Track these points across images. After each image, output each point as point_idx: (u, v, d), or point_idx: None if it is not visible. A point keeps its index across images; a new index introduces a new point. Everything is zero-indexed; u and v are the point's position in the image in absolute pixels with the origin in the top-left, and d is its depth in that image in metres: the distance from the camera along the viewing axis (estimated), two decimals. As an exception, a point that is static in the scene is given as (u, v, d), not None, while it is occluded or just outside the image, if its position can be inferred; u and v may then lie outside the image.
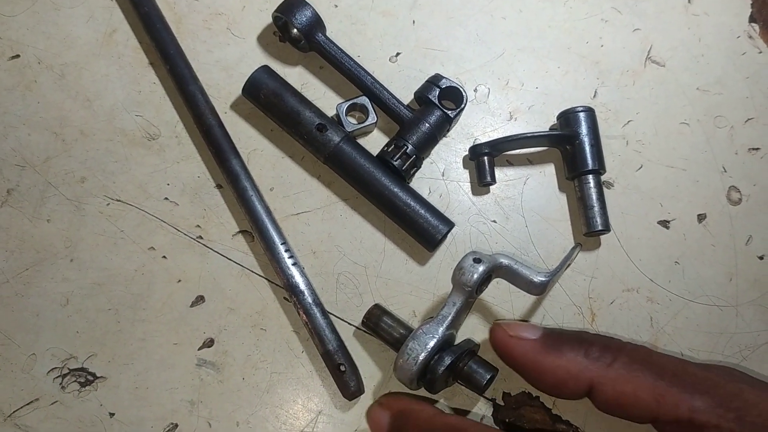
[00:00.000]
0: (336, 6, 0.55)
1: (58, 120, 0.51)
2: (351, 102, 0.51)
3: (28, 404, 0.47)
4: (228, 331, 0.49)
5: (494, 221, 0.51)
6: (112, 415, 0.47)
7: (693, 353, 0.50)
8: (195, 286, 0.49)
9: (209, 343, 0.48)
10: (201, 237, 0.50)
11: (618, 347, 0.35)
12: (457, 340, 0.45)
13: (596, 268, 0.51)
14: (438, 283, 0.50)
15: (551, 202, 0.52)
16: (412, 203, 0.48)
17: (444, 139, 0.53)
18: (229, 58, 0.53)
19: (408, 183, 0.51)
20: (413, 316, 0.49)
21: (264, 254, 0.49)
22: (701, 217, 0.52)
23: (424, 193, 0.51)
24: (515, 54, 0.55)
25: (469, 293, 0.43)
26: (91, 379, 0.47)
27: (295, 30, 0.51)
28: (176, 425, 0.47)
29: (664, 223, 0.52)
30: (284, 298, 0.49)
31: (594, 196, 0.50)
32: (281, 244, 0.48)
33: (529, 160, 0.53)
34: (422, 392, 0.44)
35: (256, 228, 0.48)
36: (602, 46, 0.55)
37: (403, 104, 0.51)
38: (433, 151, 0.52)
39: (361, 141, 0.52)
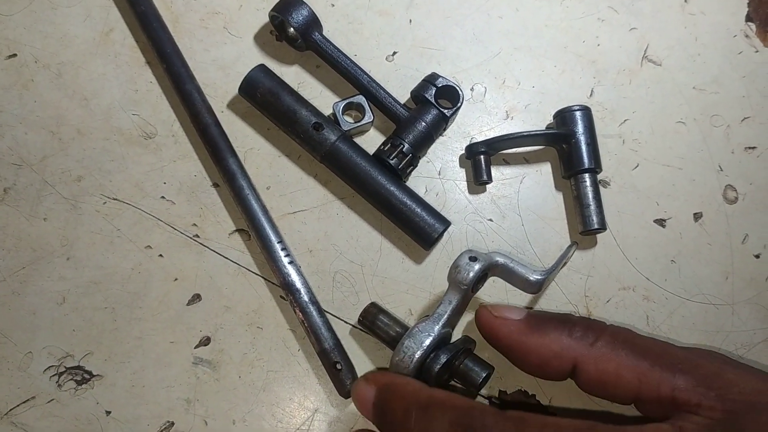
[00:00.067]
0: (333, 5, 0.55)
1: (54, 119, 0.51)
2: (347, 101, 0.51)
3: (24, 402, 0.47)
4: (224, 329, 0.49)
5: (491, 220, 0.52)
6: (108, 413, 0.47)
7: (697, 347, 0.50)
8: (191, 284, 0.49)
9: (205, 342, 0.48)
10: (197, 236, 0.50)
11: (601, 327, 0.35)
12: (454, 339, 0.45)
13: (592, 267, 0.51)
14: (434, 282, 0.50)
15: (547, 201, 0.52)
16: (409, 202, 0.49)
17: (440, 137, 0.53)
18: (225, 57, 0.54)
19: (404, 182, 0.51)
20: (409, 314, 0.49)
21: (260, 253, 0.49)
22: (697, 216, 0.52)
23: (420, 192, 0.51)
24: (512, 53, 0.55)
25: (465, 291, 0.43)
26: (88, 377, 0.47)
27: (292, 29, 0.51)
28: (172, 423, 0.47)
29: (661, 222, 0.52)
30: (280, 296, 0.49)
31: (590, 195, 0.50)
32: (278, 242, 0.48)
33: (526, 159, 0.53)
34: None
35: (252, 227, 0.48)
36: (599, 45, 0.55)
37: (399, 103, 0.51)
38: (429, 150, 0.52)
39: (358, 140, 0.52)
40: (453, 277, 0.43)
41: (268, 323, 0.49)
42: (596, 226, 0.49)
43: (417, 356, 0.41)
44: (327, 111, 0.51)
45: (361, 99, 0.51)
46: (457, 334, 0.47)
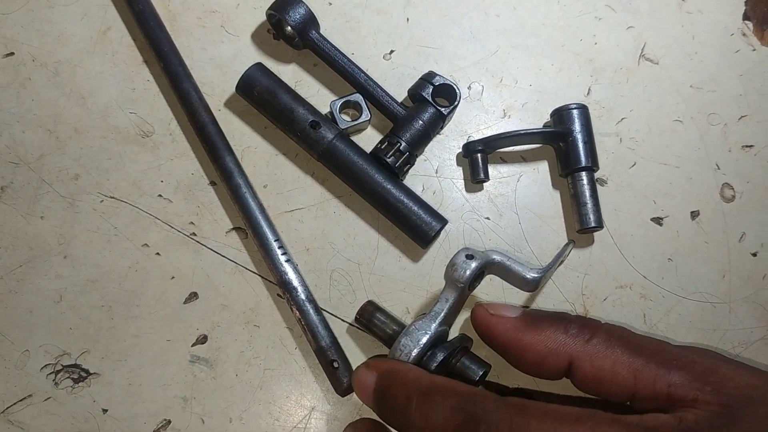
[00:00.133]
0: (330, 4, 0.55)
1: (52, 117, 0.51)
2: (345, 99, 0.51)
3: (21, 400, 0.47)
4: (221, 327, 0.49)
5: (488, 218, 0.52)
6: (105, 411, 0.47)
7: (692, 345, 0.50)
8: (188, 282, 0.49)
9: (202, 340, 0.48)
10: (194, 234, 0.50)
11: (596, 325, 0.35)
12: (451, 337, 0.45)
13: (589, 265, 0.51)
14: (431, 280, 0.50)
15: (545, 199, 0.52)
16: (406, 200, 0.49)
17: (438, 136, 0.53)
18: (223, 56, 0.54)
19: (401, 180, 0.51)
20: (406, 312, 0.49)
21: (257, 251, 0.49)
22: (694, 214, 0.52)
23: (417, 190, 0.51)
24: (509, 51, 0.55)
25: (461, 289, 0.43)
26: (85, 375, 0.47)
27: (289, 27, 0.51)
28: (169, 421, 0.47)
29: (658, 220, 0.52)
30: (278, 294, 0.49)
31: (587, 193, 0.50)
32: (275, 240, 0.48)
33: (523, 158, 0.53)
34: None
35: (249, 225, 0.48)
36: (596, 43, 0.55)
37: (396, 101, 0.51)
38: (426, 149, 0.52)
39: (355, 138, 0.52)
40: (450, 275, 0.43)
41: (265, 321, 0.49)
42: (593, 225, 0.49)
43: (414, 354, 0.41)
44: (324, 109, 0.51)
45: (358, 97, 0.51)
46: (454, 333, 0.47)
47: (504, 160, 0.53)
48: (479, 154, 0.51)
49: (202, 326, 0.49)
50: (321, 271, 0.50)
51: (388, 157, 0.49)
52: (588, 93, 0.54)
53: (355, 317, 0.47)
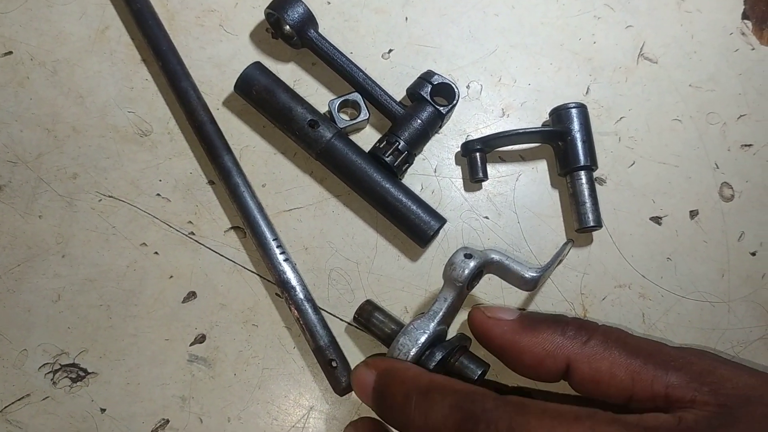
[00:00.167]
0: (329, 3, 0.55)
1: (50, 116, 0.51)
2: (343, 98, 0.51)
3: (19, 400, 0.47)
4: (220, 327, 0.49)
5: (486, 217, 0.51)
6: (103, 410, 0.47)
7: (689, 346, 0.50)
8: (187, 282, 0.49)
9: (201, 339, 0.48)
10: (193, 233, 0.50)
11: (593, 327, 0.35)
12: (449, 336, 0.45)
13: (588, 264, 0.51)
14: (430, 279, 0.50)
15: (543, 199, 0.52)
16: (404, 199, 0.49)
17: (436, 135, 0.53)
18: (221, 55, 0.54)
19: (400, 179, 0.51)
20: (405, 312, 0.49)
21: (256, 250, 0.49)
22: (693, 214, 0.52)
23: (416, 190, 0.51)
24: (508, 50, 0.55)
25: (460, 289, 0.43)
26: (83, 374, 0.47)
27: (288, 26, 0.51)
28: (167, 421, 0.47)
29: (657, 220, 0.52)
30: (276, 294, 0.49)
31: (586, 192, 0.50)
32: (273, 240, 0.48)
33: (522, 157, 0.53)
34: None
35: (248, 224, 0.48)
36: (595, 42, 0.55)
37: (395, 101, 0.51)
38: (425, 148, 0.52)
39: (353, 137, 0.52)
40: (448, 274, 0.43)
41: (263, 321, 0.49)
42: (592, 224, 0.49)
43: (412, 353, 0.41)
44: (323, 108, 0.51)
45: (356, 96, 0.51)
46: (452, 332, 0.47)
47: (503, 159, 0.53)
48: (478, 153, 0.51)
49: (201, 325, 0.48)
50: (319, 271, 0.50)
51: (387, 156, 0.49)
52: (587, 92, 0.54)
53: (354, 316, 0.47)
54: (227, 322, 0.49)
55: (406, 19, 0.55)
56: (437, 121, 0.50)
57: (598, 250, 0.51)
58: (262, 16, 0.53)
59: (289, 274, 0.47)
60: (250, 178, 0.50)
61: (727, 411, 0.29)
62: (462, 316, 0.49)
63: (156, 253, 0.49)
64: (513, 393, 0.37)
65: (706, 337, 0.50)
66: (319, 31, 0.52)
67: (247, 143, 0.52)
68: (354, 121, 0.51)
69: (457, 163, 0.52)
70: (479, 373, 0.42)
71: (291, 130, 0.50)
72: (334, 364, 0.46)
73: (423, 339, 0.42)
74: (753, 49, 0.56)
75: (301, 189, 0.51)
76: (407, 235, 0.50)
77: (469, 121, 0.53)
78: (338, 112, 0.51)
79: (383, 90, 0.51)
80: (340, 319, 0.49)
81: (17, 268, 0.49)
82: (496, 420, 0.30)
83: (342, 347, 0.47)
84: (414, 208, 0.48)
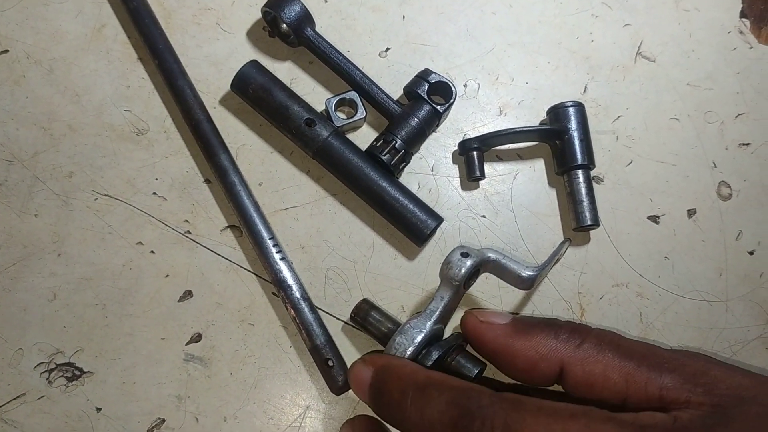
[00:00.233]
0: (326, 1, 0.55)
1: (46, 115, 0.51)
2: (340, 97, 0.51)
3: (14, 399, 0.47)
4: (216, 326, 0.48)
5: (483, 216, 0.51)
6: (99, 410, 0.47)
7: (683, 348, 0.49)
8: (183, 281, 0.49)
9: (197, 338, 0.48)
10: (189, 232, 0.50)
11: (586, 330, 0.35)
12: (446, 335, 0.45)
13: (585, 263, 0.51)
14: (427, 278, 0.50)
15: (541, 197, 0.52)
16: (401, 198, 0.48)
17: (433, 134, 0.53)
18: (218, 53, 0.53)
19: (397, 178, 0.51)
20: (402, 311, 0.49)
21: (252, 249, 0.49)
22: (691, 213, 0.52)
23: (413, 188, 0.51)
24: (505, 49, 0.55)
25: (456, 287, 0.43)
26: (78, 374, 0.47)
27: (284, 25, 0.51)
28: (163, 420, 0.47)
29: (654, 218, 0.52)
30: (272, 293, 0.49)
31: (583, 191, 0.50)
32: (269, 239, 0.48)
33: (519, 156, 0.53)
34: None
35: (244, 223, 0.48)
36: (592, 41, 0.55)
37: (392, 99, 0.51)
38: (422, 146, 0.52)
39: (350, 136, 0.52)
40: (445, 273, 0.43)
41: (259, 320, 0.49)
42: (589, 223, 0.49)
43: (409, 352, 0.41)
44: (319, 107, 0.51)
45: (353, 95, 0.51)
46: (450, 332, 0.47)
47: (500, 158, 0.53)
48: (475, 152, 0.50)
49: (197, 325, 0.48)
50: (316, 270, 0.50)
51: (384, 155, 0.48)
52: (584, 91, 0.54)
53: (351, 315, 0.47)
54: (223, 321, 0.48)
55: (404, 17, 0.55)
56: (434, 119, 0.50)
57: (596, 249, 0.51)
58: (259, 15, 0.53)
59: (286, 273, 0.47)
60: (246, 176, 0.50)
61: (721, 410, 0.29)
62: (459, 315, 0.49)
63: (152, 252, 0.49)
64: (509, 391, 0.37)
65: (703, 336, 0.50)
66: (316, 29, 0.52)
67: (244, 142, 0.52)
68: (351, 120, 0.51)
69: (454, 162, 0.52)
70: (476, 372, 0.42)
71: (288, 129, 0.50)
72: (330, 363, 0.46)
73: (420, 338, 0.41)
74: (751, 47, 0.56)
75: (297, 188, 0.51)
76: (404, 234, 0.49)
77: (467, 119, 0.53)
78: (335, 110, 0.51)
79: (380, 88, 0.51)
80: (337, 318, 0.49)
81: (13, 267, 0.49)
82: (491, 416, 0.30)
83: (338, 346, 0.47)
84: (411, 206, 0.48)
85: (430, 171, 0.52)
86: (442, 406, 0.32)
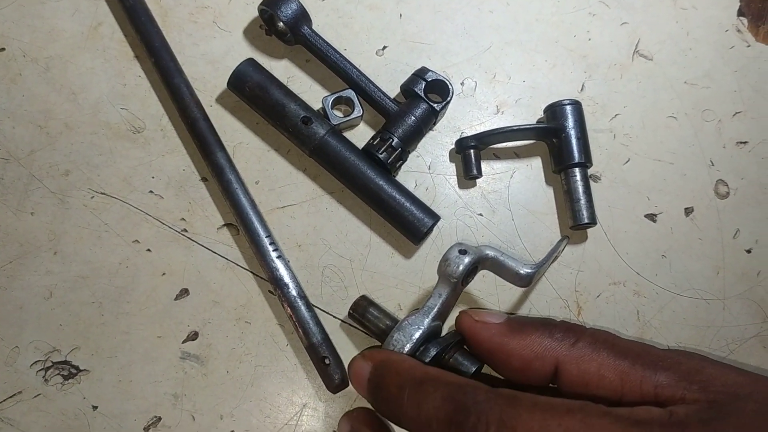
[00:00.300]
0: (323, -1, 0.55)
1: (42, 113, 0.51)
2: (337, 95, 0.51)
3: (11, 397, 0.47)
4: (212, 324, 0.48)
5: (480, 214, 0.51)
6: (95, 408, 0.47)
7: (680, 347, 0.49)
8: (179, 279, 0.49)
9: (193, 336, 0.48)
10: (186, 230, 0.50)
11: (581, 329, 0.35)
12: (444, 333, 0.45)
13: (583, 262, 0.51)
14: (424, 277, 0.50)
15: (538, 196, 0.52)
16: (398, 196, 0.48)
17: (430, 132, 0.53)
18: (214, 52, 0.53)
19: (394, 176, 0.51)
20: (399, 309, 0.49)
21: (249, 247, 0.48)
22: (688, 211, 0.52)
23: (410, 187, 0.51)
24: (502, 47, 0.55)
25: (454, 284, 0.43)
26: (75, 372, 0.47)
27: (281, 23, 0.51)
28: (159, 418, 0.47)
29: (651, 217, 0.52)
30: (269, 291, 0.49)
31: (580, 189, 0.49)
32: (266, 237, 0.48)
33: (516, 154, 0.53)
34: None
35: (241, 221, 0.48)
36: (590, 39, 0.55)
37: (389, 97, 0.51)
38: (419, 145, 0.52)
39: (347, 134, 0.52)
40: (443, 270, 0.43)
41: (256, 318, 0.49)
42: (587, 221, 0.49)
43: (406, 349, 0.41)
44: (316, 105, 0.51)
45: (350, 93, 0.51)
46: (447, 329, 0.47)
47: (497, 156, 0.53)
48: (472, 150, 0.50)
49: (193, 323, 0.48)
50: (313, 268, 0.50)
51: (381, 153, 0.48)
52: (582, 89, 0.54)
53: (349, 311, 0.47)
54: (220, 320, 0.48)
55: (401, 15, 0.55)
56: (431, 117, 0.50)
57: (593, 247, 0.51)
58: (256, 13, 0.53)
59: (282, 271, 0.47)
60: (243, 175, 0.50)
61: (717, 406, 0.29)
62: (457, 313, 0.49)
63: (148, 250, 0.49)
64: (505, 387, 0.37)
65: (701, 334, 0.50)
66: (313, 27, 0.52)
67: (241, 140, 0.52)
68: (347, 118, 0.51)
69: (451, 160, 0.52)
70: (474, 369, 0.42)
71: (284, 127, 0.50)
72: (327, 361, 0.45)
73: (417, 335, 0.41)
74: (748, 46, 0.55)
75: (294, 186, 0.51)
76: (401, 232, 0.49)
77: (464, 118, 0.53)
78: (332, 108, 0.51)
79: (377, 87, 0.51)
80: (334, 317, 0.49)
81: (9, 265, 0.48)
82: (487, 412, 0.30)
83: (335, 344, 0.47)
84: (408, 205, 0.48)
85: (427, 169, 0.52)
86: (438, 402, 0.32)
